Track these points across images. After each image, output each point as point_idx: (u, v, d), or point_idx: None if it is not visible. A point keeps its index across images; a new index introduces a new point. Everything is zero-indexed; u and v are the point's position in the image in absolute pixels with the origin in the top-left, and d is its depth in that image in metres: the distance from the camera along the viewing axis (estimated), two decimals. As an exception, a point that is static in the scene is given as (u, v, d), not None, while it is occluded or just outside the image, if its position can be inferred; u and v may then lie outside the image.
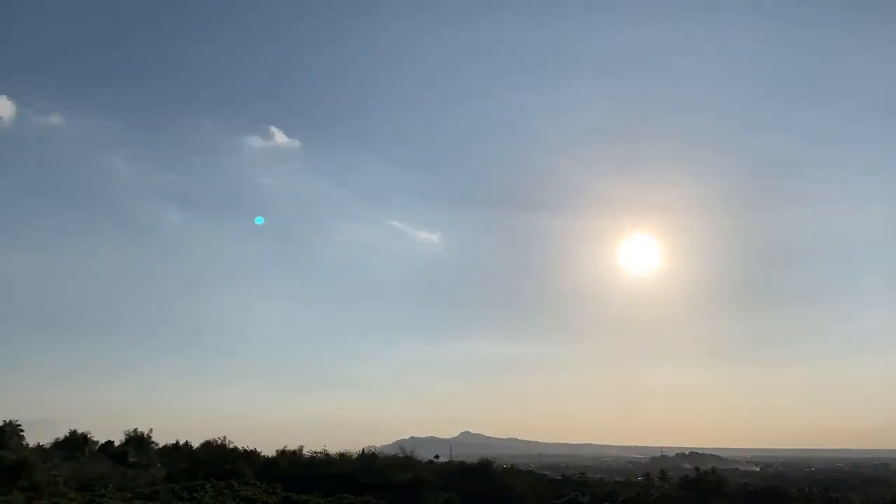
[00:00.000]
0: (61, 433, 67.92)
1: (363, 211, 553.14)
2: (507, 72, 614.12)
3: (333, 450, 73.10)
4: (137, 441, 69.48)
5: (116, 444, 69.15)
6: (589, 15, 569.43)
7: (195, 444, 73.90)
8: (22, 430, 62.77)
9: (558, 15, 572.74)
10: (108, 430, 73.97)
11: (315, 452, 72.17)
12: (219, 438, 71.87)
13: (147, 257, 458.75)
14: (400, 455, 73.41)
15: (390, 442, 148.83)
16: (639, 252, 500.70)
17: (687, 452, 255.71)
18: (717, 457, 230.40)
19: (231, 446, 71.06)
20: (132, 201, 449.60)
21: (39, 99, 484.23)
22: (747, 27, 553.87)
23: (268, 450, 73.41)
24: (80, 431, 68.44)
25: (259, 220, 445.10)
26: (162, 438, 73.31)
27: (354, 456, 73.25)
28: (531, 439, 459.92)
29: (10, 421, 61.61)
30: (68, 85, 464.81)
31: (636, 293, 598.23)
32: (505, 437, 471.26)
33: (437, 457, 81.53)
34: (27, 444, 60.93)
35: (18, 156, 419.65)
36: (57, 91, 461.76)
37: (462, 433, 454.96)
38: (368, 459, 71.73)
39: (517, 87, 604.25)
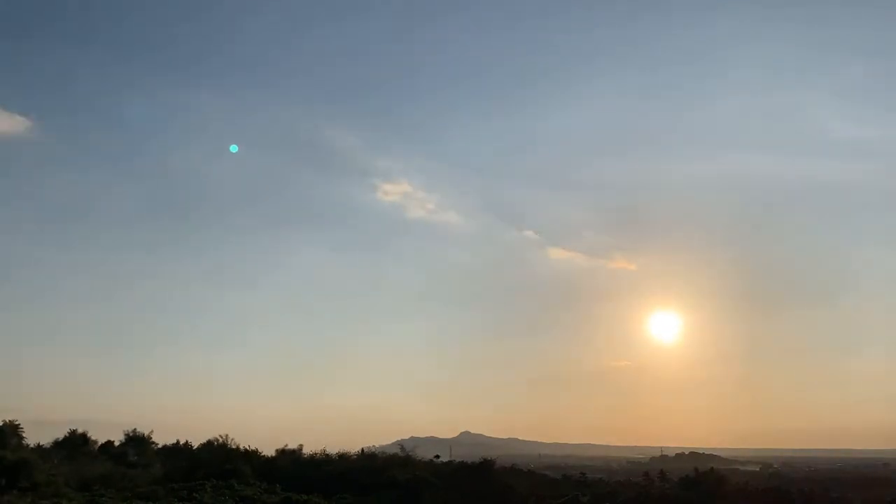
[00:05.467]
0: (61, 433, 68.08)
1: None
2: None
3: (333, 450, 73.28)
4: (137, 441, 69.58)
5: (116, 444, 69.25)
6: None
7: (195, 444, 74.04)
8: (22, 430, 62.82)
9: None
10: (108, 430, 74.19)
11: (315, 452, 72.29)
12: (219, 438, 72.05)
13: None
14: (400, 455, 73.45)
15: (390, 442, 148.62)
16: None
17: (687, 452, 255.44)
18: (717, 457, 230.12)
19: (231, 446, 71.16)
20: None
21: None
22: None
23: (268, 450, 73.56)
24: (80, 431, 68.59)
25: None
26: (162, 438, 73.45)
27: (354, 456, 73.38)
28: (531, 439, 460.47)
29: (10, 421, 61.65)
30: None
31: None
32: (505, 437, 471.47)
33: (437, 457, 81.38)
34: (27, 444, 60.96)
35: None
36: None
37: (462, 433, 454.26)
38: (368, 459, 71.86)
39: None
